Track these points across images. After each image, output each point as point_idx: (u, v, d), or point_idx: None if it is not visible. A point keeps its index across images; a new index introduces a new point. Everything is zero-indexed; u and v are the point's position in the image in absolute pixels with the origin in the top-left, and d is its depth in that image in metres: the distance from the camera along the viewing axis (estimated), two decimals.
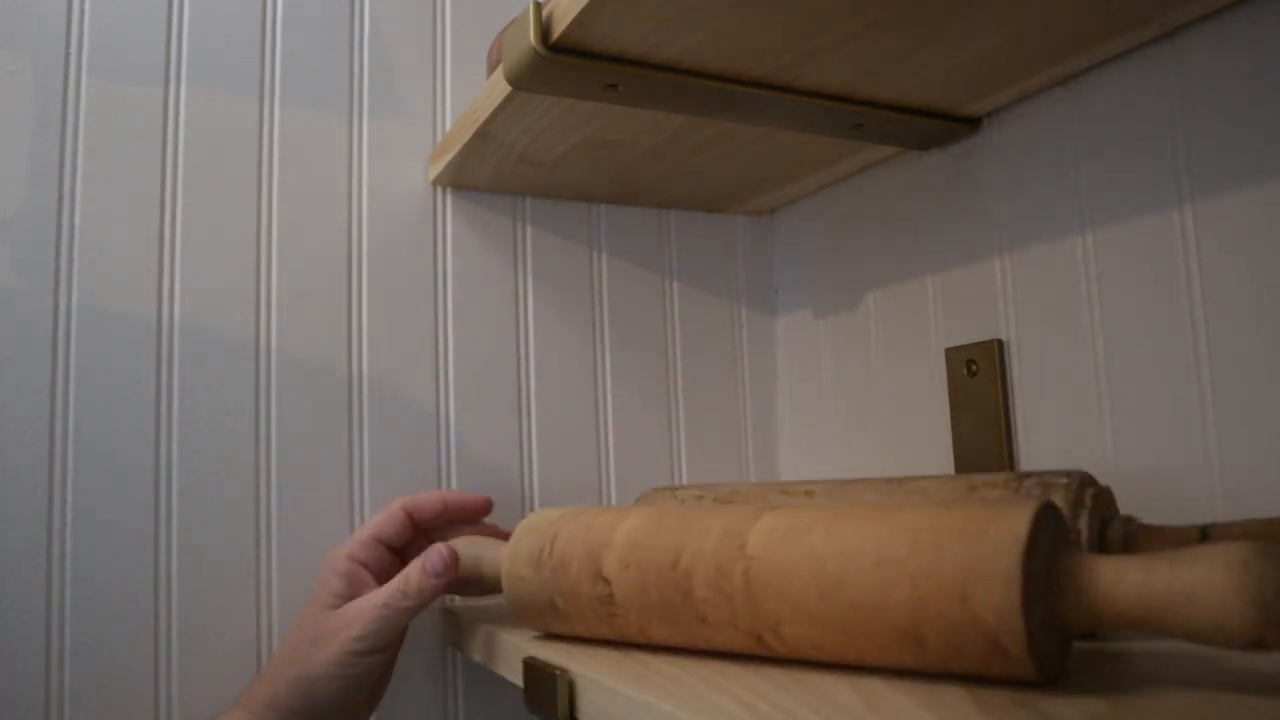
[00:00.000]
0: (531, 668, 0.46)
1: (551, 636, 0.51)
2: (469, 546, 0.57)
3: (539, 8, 0.51)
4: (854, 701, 0.33)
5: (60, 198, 0.63)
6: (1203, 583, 0.28)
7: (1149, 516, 0.52)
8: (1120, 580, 0.30)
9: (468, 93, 0.77)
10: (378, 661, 0.55)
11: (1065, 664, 0.34)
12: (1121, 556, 0.31)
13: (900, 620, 0.33)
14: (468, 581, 0.57)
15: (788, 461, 0.86)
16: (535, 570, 0.48)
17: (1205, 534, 0.41)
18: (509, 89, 0.56)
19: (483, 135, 0.65)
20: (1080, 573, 0.31)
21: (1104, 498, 0.45)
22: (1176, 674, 0.34)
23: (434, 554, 0.55)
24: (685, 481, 0.82)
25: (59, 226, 0.63)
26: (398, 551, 0.62)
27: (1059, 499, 0.44)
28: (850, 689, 0.34)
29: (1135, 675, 0.34)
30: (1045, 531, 0.32)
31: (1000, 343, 0.64)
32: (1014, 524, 0.32)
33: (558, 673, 0.43)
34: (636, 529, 0.44)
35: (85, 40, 0.65)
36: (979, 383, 0.65)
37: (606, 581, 0.44)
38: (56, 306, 0.62)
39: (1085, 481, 0.45)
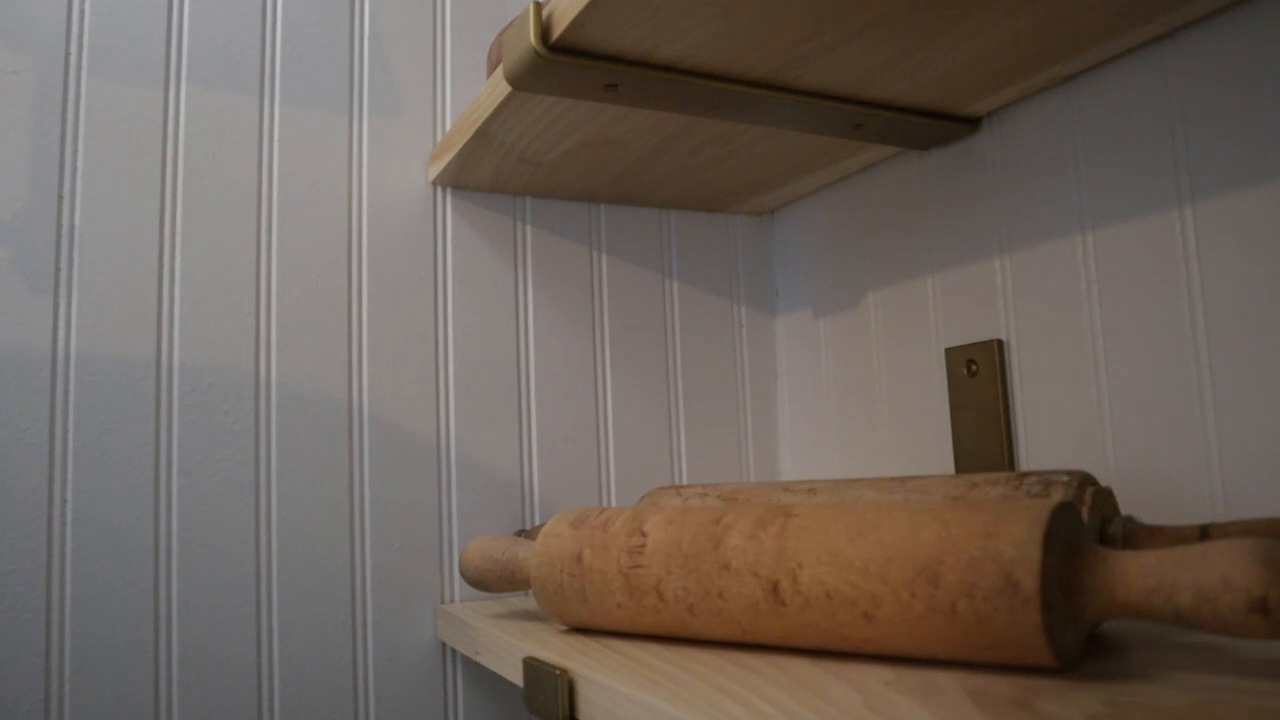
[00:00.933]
0: (531, 668, 0.46)
1: (554, 633, 0.51)
2: (497, 541, 0.57)
3: (539, 8, 0.51)
4: (854, 701, 0.33)
5: (60, 198, 0.63)
6: (1216, 549, 0.29)
7: (1149, 516, 0.52)
8: (1138, 556, 0.32)
9: (468, 93, 0.77)
10: None
11: (1071, 649, 0.34)
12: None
13: (922, 555, 0.34)
14: (488, 578, 0.56)
15: (788, 461, 0.86)
16: (575, 529, 0.49)
17: (1205, 533, 0.41)
18: (509, 89, 0.56)
19: (483, 135, 0.65)
20: (1099, 551, 0.33)
21: (1104, 497, 0.45)
22: (1176, 675, 0.34)
23: None
24: (685, 481, 0.82)
25: (59, 226, 0.63)
26: None
27: (1059, 497, 0.44)
28: (851, 689, 0.34)
29: (1134, 676, 0.34)
30: (1071, 517, 0.34)
31: (1000, 343, 0.64)
32: (1046, 500, 0.35)
33: (558, 673, 0.43)
34: (690, 505, 0.47)
35: (85, 40, 0.65)
36: (979, 383, 0.65)
37: (644, 535, 0.45)
38: (56, 306, 0.62)
39: (1086, 480, 0.45)
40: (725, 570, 0.41)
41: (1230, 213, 0.50)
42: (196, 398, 0.65)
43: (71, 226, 0.63)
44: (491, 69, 0.65)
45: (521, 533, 0.71)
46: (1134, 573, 0.31)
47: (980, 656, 0.34)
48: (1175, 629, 0.43)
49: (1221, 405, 0.50)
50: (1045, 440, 0.61)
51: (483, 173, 0.73)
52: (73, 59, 0.64)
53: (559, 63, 0.52)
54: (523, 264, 0.78)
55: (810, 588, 0.38)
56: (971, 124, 0.66)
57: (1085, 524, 0.37)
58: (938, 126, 0.65)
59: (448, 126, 0.76)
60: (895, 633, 0.35)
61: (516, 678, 0.49)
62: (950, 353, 0.67)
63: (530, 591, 0.63)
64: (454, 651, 0.71)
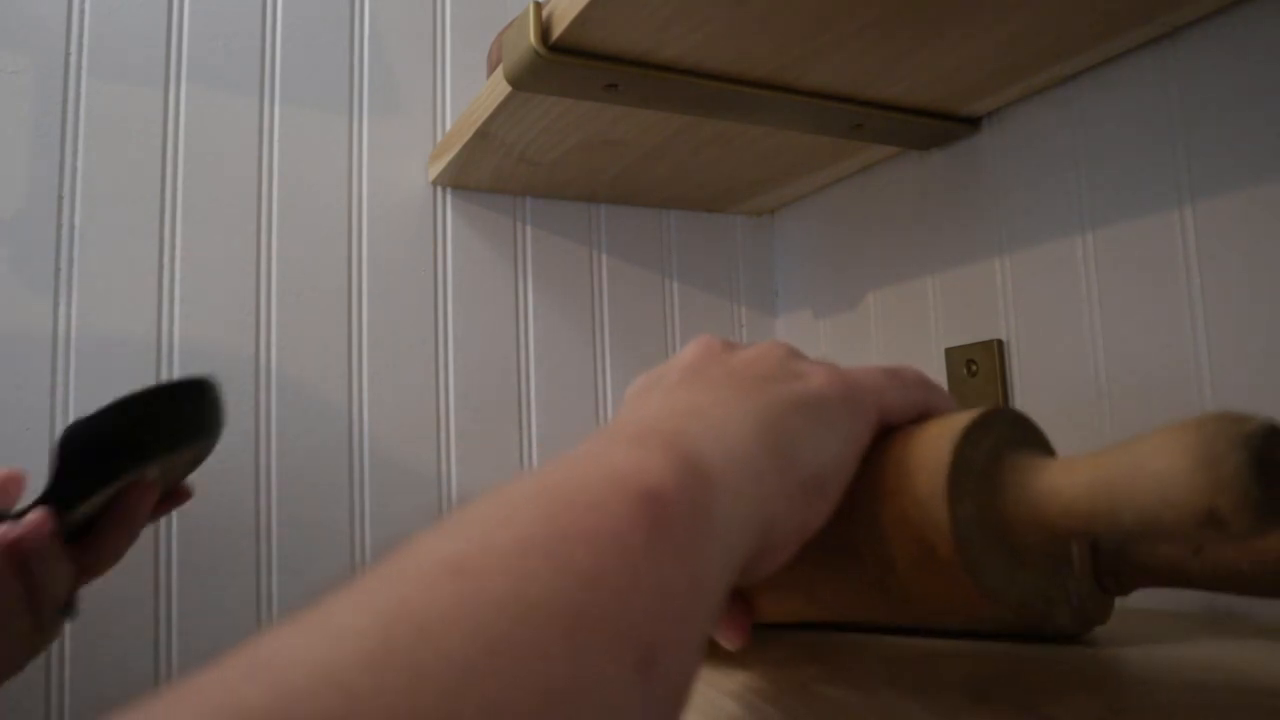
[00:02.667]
0: None
1: None
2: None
3: (539, 8, 0.51)
4: (855, 702, 0.33)
5: (60, 198, 0.63)
6: (1151, 452, 0.23)
7: None
8: (1070, 469, 0.26)
9: (468, 93, 0.77)
10: None
11: (1028, 597, 0.29)
12: (1082, 453, 0.27)
13: (840, 531, 0.28)
14: None
15: None
16: None
17: None
18: (509, 89, 0.56)
19: (483, 135, 0.65)
20: (1027, 466, 0.28)
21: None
22: (1180, 676, 0.34)
23: None
24: None
25: (59, 226, 0.63)
26: None
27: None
28: (852, 690, 0.34)
29: (1138, 677, 0.34)
30: (998, 430, 0.29)
31: (1000, 343, 0.64)
32: (959, 417, 0.28)
33: None
34: None
35: (85, 40, 0.65)
36: (979, 383, 0.65)
37: None
38: (56, 306, 0.62)
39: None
40: None
41: (1230, 213, 0.50)
42: None
43: (71, 226, 0.63)
44: (491, 69, 0.65)
45: None
46: (1067, 496, 0.26)
47: (935, 622, 0.31)
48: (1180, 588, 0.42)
49: (1221, 405, 0.50)
50: None
51: (483, 173, 0.73)
52: (73, 59, 0.64)
53: (559, 63, 0.52)
54: (523, 264, 0.78)
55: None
56: (971, 124, 0.66)
57: (1042, 441, 0.31)
58: (938, 126, 0.65)
59: (448, 126, 0.76)
60: (839, 608, 0.32)
61: None
62: (950, 353, 0.67)
63: None
64: None
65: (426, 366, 0.73)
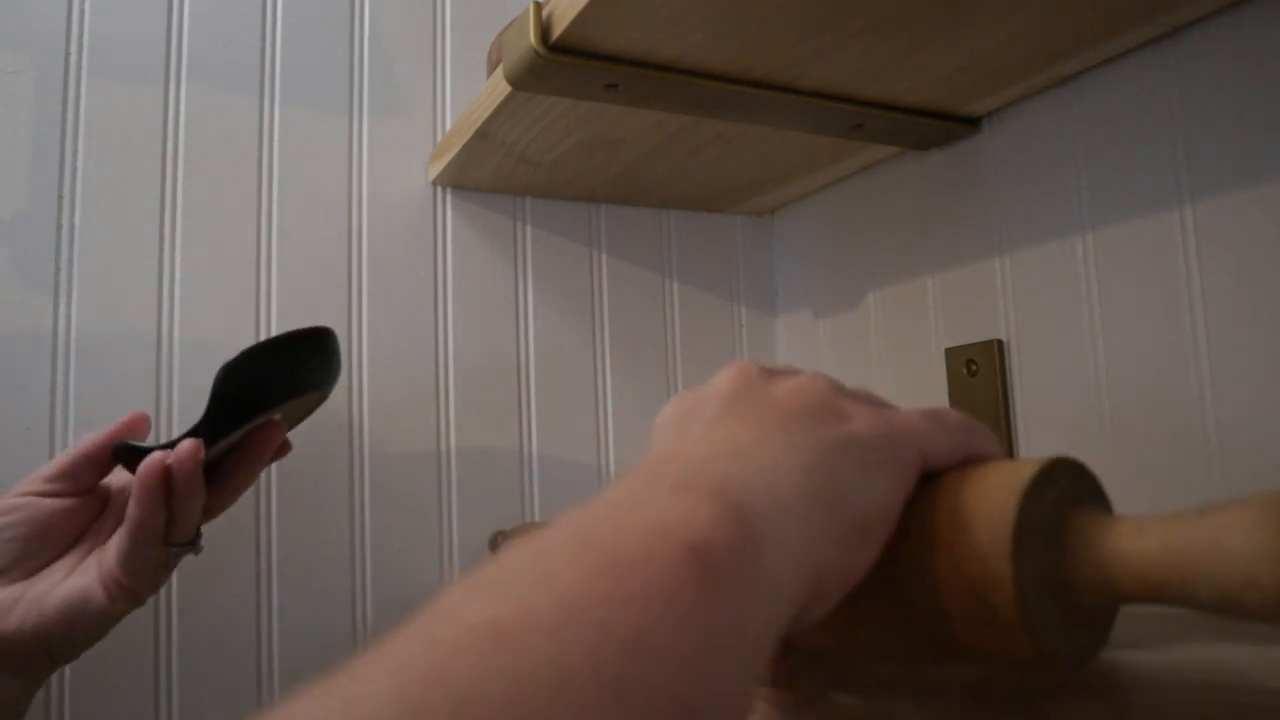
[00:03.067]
0: None
1: None
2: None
3: (539, 8, 0.51)
4: (861, 707, 0.33)
5: (60, 198, 0.63)
6: (1231, 526, 0.23)
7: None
8: (1140, 533, 0.25)
9: (468, 93, 0.77)
10: None
11: (1082, 652, 0.28)
12: (1150, 515, 0.26)
13: (884, 576, 0.28)
14: None
15: None
16: None
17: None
18: (509, 89, 0.56)
19: (483, 135, 0.64)
20: (1094, 525, 0.27)
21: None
22: (1180, 676, 0.34)
23: None
24: None
25: (59, 227, 0.63)
26: None
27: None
28: (858, 695, 0.34)
29: (1138, 676, 0.34)
30: (1061, 484, 0.28)
31: (1000, 343, 0.64)
32: (1021, 467, 0.28)
33: None
34: None
35: (85, 40, 0.65)
36: (979, 383, 0.65)
37: None
38: (56, 306, 0.62)
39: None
40: None
41: (1230, 213, 0.50)
42: (196, 397, 0.65)
43: (71, 226, 0.63)
44: (491, 69, 0.65)
45: (500, 534, 0.71)
46: (1137, 564, 0.25)
47: (979, 667, 0.32)
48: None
49: (1221, 405, 0.50)
50: (1045, 440, 0.61)
51: (483, 173, 0.73)
52: (73, 59, 0.64)
53: (559, 63, 0.52)
54: (523, 264, 0.78)
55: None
56: (971, 124, 0.66)
57: (1101, 495, 0.30)
58: (938, 126, 0.65)
59: (448, 126, 0.76)
60: (879, 650, 0.32)
61: None
62: (950, 353, 0.67)
63: None
64: None
65: (426, 366, 0.73)
